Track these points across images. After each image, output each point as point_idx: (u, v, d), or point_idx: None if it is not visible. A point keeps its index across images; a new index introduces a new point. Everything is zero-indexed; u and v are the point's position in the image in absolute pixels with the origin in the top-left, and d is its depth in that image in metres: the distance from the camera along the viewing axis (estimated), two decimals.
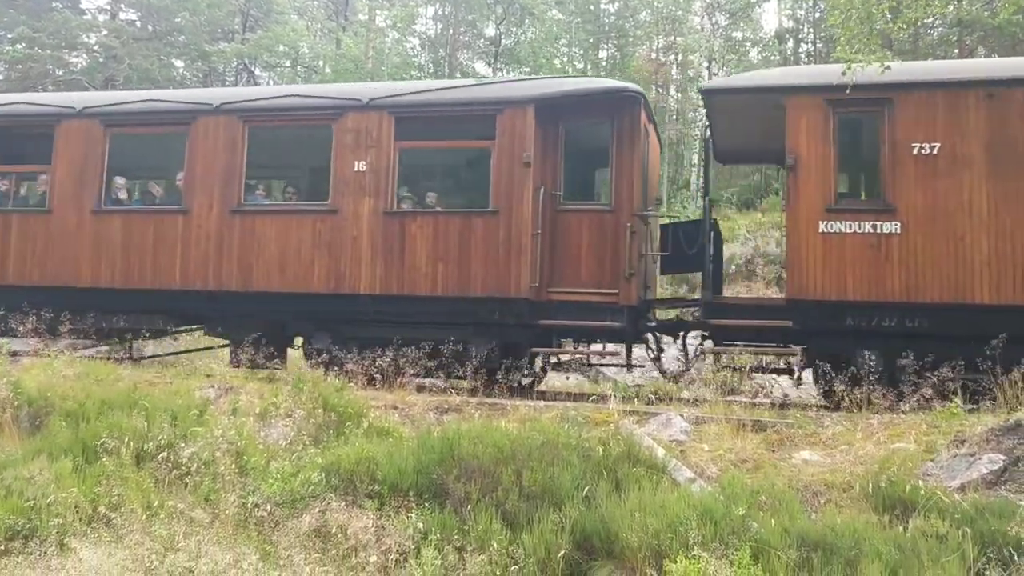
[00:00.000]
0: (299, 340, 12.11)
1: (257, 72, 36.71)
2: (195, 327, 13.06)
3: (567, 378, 14.81)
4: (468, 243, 10.76)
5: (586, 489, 6.31)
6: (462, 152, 12.17)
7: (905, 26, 10.87)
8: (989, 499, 5.99)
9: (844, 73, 9.48)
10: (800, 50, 35.92)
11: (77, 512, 6.40)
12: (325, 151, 11.48)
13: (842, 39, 10.58)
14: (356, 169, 11.20)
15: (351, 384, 8.99)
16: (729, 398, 9.49)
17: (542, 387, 11.48)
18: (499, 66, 34.76)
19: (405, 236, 10.98)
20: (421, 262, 10.87)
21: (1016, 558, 5.21)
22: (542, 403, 8.99)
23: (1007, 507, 5.76)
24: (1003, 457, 6.53)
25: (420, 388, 10.25)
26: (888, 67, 9.47)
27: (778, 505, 5.96)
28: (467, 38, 37.97)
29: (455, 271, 10.75)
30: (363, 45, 33.83)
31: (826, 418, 8.27)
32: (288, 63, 36.84)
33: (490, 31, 36.61)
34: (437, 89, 11.89)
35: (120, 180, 12.49)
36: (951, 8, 26.61)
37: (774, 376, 10.88)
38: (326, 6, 39.76)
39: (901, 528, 5.64)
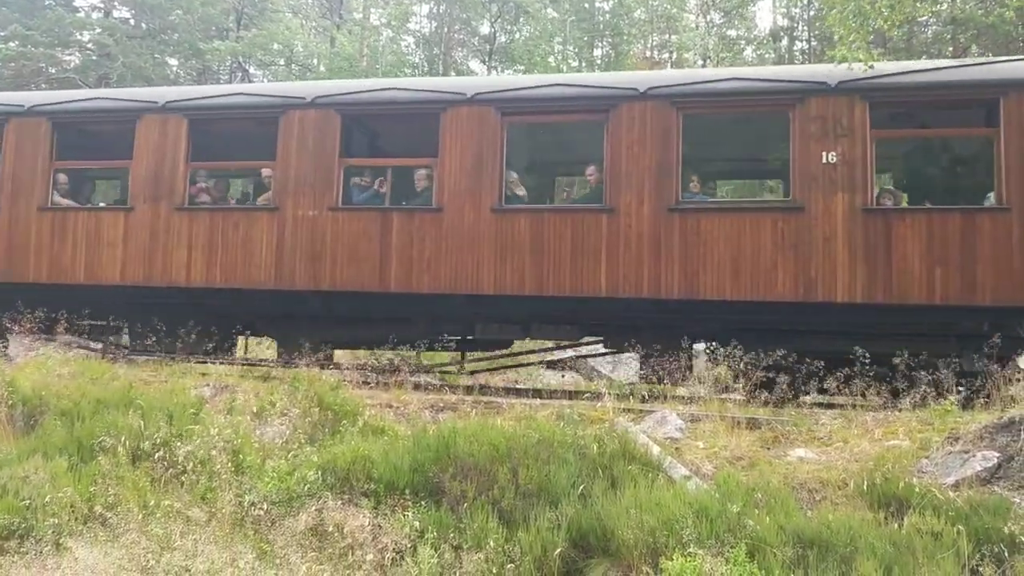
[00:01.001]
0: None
1: (252, 70, 36.64)
2: (594, 339, 11.82)
3: (563, 376, 14.84)
4: (972, 245, 9.53)
5: (582, 487, 6.32)
6: (946, 141, 11.05)
7: (899, 23, 10.78)
8: (983, 496, 6.01)
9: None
10: (795, 48, 35.96)
11: (73, 511, 6.40)
12: (780, 140, 10.39)
13: (841, 32, 10.43)
14: (825, 161, 9.90)
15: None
16: (724, 395, 9.51)
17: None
18: (493, 64, 34.73)
19: (892, 236, 9.74)
20: (914, 266, 9.66)
21: (1009, 555, 5.23)
22: (538, 401, 9.01)
23: (1001, 504, 5.78)
24: (997, 454, 6.55)
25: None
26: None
27: (773, 503, 5.97)
28: (462, 36, 37.94)
29: (957, 277, 9.55)
30: (357, 43, 33.77)
31: (821, 416, 8.30)
32: (282, 61, 36.77)
33: (485, 29, 36.57)
34: (918, 71, 10.21)
35: (513, 175, 11.28)
36: (944, 6, 26.68)
37: None
38: (320, 4, 39.69)
39: (896, 525, 5.65)
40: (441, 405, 9.03)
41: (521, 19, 34.79)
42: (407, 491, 6.49)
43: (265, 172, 11.97)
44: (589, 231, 10.49)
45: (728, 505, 5.70)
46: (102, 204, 13.70)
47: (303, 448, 7.32)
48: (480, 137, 10.94)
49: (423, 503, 6.37)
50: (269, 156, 11.69)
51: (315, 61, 36.12)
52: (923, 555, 5.22)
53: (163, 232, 11.73)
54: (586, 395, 8.94)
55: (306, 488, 6.44)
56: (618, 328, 10.87)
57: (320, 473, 6.65)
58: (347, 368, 10.84)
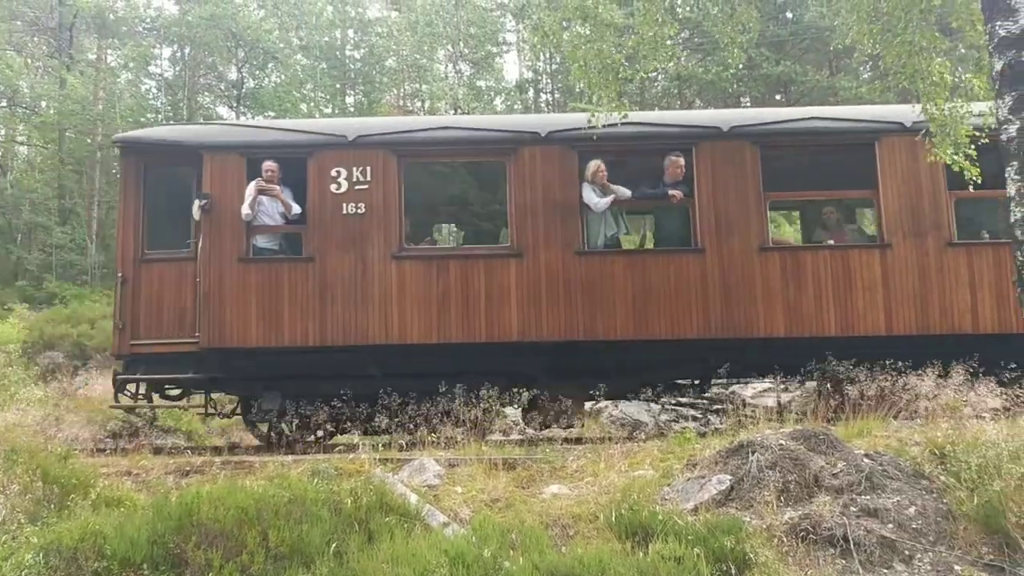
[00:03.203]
0: None
1: None
2: None
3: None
4: None
5: (336, 544, 6.10)
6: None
7: (640, 76, 11.25)
8: (719, 517, 6.39)
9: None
10: (540, 99, 37.74)
11: None
12: None
13: (589, 86, 10.58)
14: None
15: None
16: (487, 438, 9.58)
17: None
18: (242, 110, 33.75)
19: None
20: None
21: (739, 572, 5.57)
22: (290, 458, 8.65)
23: (734, 524, 6.17)
24: (730, 477, 7.02)
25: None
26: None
27: (528, 542, 6.03)
28: (208, 81, 36.60)
29: None
30: (91, 85, 31.69)
31: (572, 451, 8.54)
32: (4, 103, 33.79)
33: (232, 74, 35.51)
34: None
35: None
36: (671, 64, 28.98)
37: None
38: (48, 43, 36.88)
39: (642, 554, 5.87)
40: (188, 468, 8.45)
41: (270, 65, 34.13)
42: (145, 566, 5.96)
43: None
44: None
45: (483, 549, 5.69)
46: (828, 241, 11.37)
47: (23, 529, 6.56)
48: None
49: None
50: None
51: (44, 104, 33.48)
52: None
53: (935, 271, 10.33)
54: (337, 448, 8.67)
55: (23, 574, 5.76)
56: None
57: (42, 555, 5.98)
58: None
